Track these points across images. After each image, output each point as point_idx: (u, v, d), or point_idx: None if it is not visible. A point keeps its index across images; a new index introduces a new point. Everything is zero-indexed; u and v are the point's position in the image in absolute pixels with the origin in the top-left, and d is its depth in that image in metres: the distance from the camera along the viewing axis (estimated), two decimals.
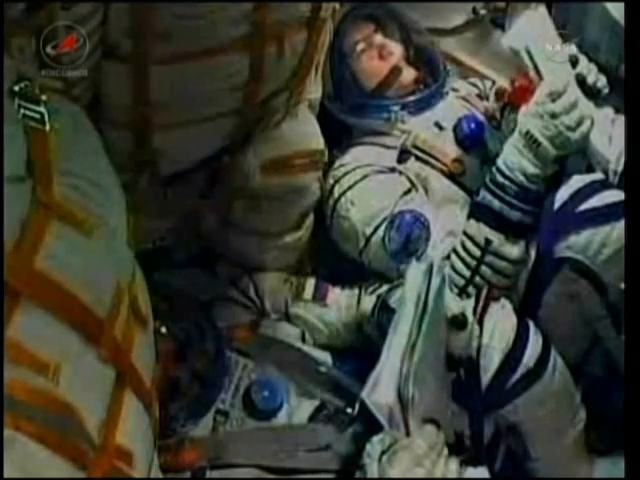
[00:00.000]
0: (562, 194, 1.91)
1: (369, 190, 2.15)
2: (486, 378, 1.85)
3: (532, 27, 2.07)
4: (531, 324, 1.91)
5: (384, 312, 1.97)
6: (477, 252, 1.98)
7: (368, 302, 2.07)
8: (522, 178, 1.92)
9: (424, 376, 1.72)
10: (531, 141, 1.90)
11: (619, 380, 1.64)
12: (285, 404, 1.87)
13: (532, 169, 1.91)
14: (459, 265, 2.00)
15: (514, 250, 1.96)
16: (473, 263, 1.98)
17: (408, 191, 2.15)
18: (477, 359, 1.85)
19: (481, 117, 2.26)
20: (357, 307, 2.11)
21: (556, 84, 1.90)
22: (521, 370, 1.85)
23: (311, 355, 2.03)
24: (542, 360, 1.87)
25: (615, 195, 1.87)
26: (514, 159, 1.93)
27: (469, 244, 1.99)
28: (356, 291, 2.15)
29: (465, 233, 2.01)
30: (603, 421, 1.95)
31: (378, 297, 2.04)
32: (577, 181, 1.93)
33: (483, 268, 1.98)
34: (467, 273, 1.99)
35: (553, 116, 1.87)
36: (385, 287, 2.07)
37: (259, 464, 1.76)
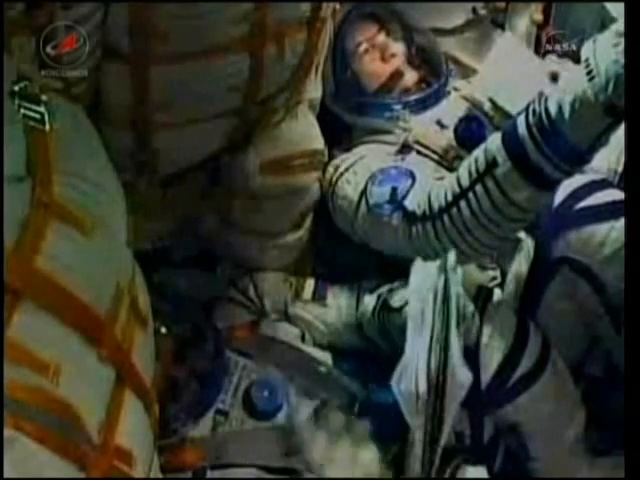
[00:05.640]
0: (561, 192, 1.90)
1: (363, 165, 2.11)
2: (486, 378, 1.85)
3: (496, 72, 2.05)
4: (531, 324, 1.91)
5: (385, 312, 1.97)
6: (483, 166, 1.71)
7: (368, 302, 2.06)
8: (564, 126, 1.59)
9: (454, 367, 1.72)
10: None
11: (619, 380, 1.63)
12: (285, 404, 1.88)
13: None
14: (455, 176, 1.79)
15: (521, 193, 1.70)
16: (470, 179, 1.74)
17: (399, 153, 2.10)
18: (477, 358, 1.85)
19: (482, 117, 2.25)
20: (357, 307, 2.11)
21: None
22: (521, 370, 1.85)
23: (311, 355, 2.03)
24: (542, 360, 1.87)
25: (614, 194, 1.87)
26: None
27: (481, 157, 1.73)
28: (356, 291, 2.15)
29: (485, 147, 1.73)
30: (603, 421, 1.94)
31: (379, 297, 2.04)
32: (576, 179, 1.93)
33: (478, 188, 1.73)
34: (457, 189, 1.77)
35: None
36: (386, 287, 2.07)
37: (259, 464, 1.77)
